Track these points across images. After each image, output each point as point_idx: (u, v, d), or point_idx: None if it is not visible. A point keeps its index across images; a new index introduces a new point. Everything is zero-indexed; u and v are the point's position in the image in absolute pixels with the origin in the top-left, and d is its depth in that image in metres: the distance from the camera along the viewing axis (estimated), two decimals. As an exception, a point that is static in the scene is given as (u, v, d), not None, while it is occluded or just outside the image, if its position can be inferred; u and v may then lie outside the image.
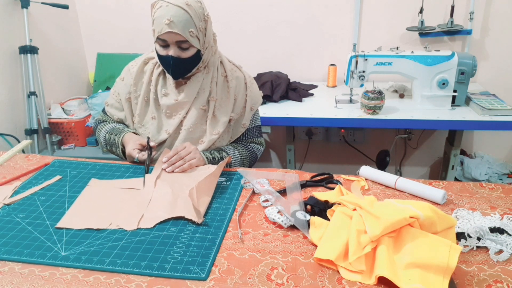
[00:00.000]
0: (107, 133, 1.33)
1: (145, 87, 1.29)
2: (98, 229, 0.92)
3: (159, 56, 1.21)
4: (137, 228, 0.92)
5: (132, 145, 1.22)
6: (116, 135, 1.29)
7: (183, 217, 0.95)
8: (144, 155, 1.20)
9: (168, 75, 1.27)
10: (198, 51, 1.20)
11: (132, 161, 1.24)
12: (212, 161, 1.24)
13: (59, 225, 0.94)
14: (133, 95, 1.32)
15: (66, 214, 0.98)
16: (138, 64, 1.32)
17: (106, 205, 1.02)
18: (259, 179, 1.10)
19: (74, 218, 0.97)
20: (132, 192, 1.08)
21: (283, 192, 1.04)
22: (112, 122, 1.38)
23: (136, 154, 1.20)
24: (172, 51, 1.17)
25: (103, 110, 1.42)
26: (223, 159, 1.25)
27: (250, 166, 1.37)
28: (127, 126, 1.37)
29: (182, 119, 1.27)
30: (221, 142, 1.32)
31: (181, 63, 1.19)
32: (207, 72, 1.28)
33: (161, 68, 1.28)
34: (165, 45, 1.18)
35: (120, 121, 1.38)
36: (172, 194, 1.04)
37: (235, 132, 1.35)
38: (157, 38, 1.17)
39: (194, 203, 0.95)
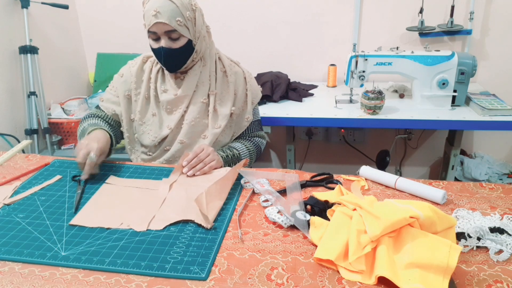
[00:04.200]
0: (87, 124, 1.28)
1: (145, 85, 1.30)
2: (109, 228, 0.92)
3: (153, 50, 1.23)
4: (147, 230, 0.91)
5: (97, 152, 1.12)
6: (88, 127, 1.23)
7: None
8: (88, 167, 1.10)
9: (166, 71, 1.28)
10: (190, 41, 1.21)
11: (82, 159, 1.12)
12: (226, 159, 1.24)
13: (73, 222, 0.95)
14: (133, 93, 1.32)
15: (81, 211, 0.99)
16: (138, 63, 1.33)
17: (120, 204, 1.02)
18: (259, 179, 1.10)
19: (88, 216, 0.97)
20: (147, 192, 1.07)
21: (283, 192, 1.04)
22: (102, 116, 1.34)
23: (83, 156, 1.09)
24: (163, 42, 1.19)
25: (97, 106, 1.39)
26: (235, 156, 1.27)
27: (255, 160, 1.38)
28: (120, 123, 1.35)
29: (183, 113, 1.28)
30: (223, 137, 1.32)
31: (173, 53, 1.20)
32: (204, 65, 1.29)
33: (159, 65, 1.29)
34: (156, 37, 1.20)
35: (115, 115, 1.35)
36: (186, 197, 1.03)
37: (238, 126, 1.35)
38: (148, 32, 1.19)
39: (201, 208, 0.94)
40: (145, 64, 1.33)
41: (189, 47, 1.22)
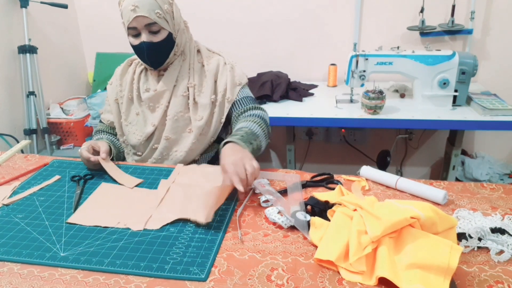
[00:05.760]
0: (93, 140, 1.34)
1: (128, 86, 1.32)
2: (105, 227, 0.92)
3: (134, 48, 1.23)
4: (144, 229, 0.91)
5: (86, 144, 1.18)
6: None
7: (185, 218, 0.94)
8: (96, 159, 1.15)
9: (149, 71, 1.29)
10: (170, 34, 1.22)
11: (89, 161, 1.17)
12: (246, 138, 1.11)
13: (70, 220, 0.95)
14: (119, 95, 1.34)
15: (78, 209, 1.00)
16: (122, 66, 1.36)
17: (118, 203, 1.02)
18: (259, 179, 1.09)
19: (85, 214, 0.97)
20: (145, 192, 1.07)
21: (283, 192, 1.03)
22: (106, 130, 1.40)
23: (85, 153, 1.15)
24: (143, 37, 1.19)
25: (100, 120, 1.44)
26: (248, 133, 1.14)
27: (268, 133, 1.27)
28: (115, 129, 1.38)
29: (166, 109, 1.28)
30: (209, 127, 1.29)
31: (155, 47, 1.20)
32: (184, 59, 1.29)
33: (143, 66, 1.30)
34: (137, 33, 1.20)
35: (111, 123, 1.39)
36: (184, 196, 1.03)
37: (221, 110, 1.29)
38: (128, 28, 1.19)
39: (208, 202, 0.92)
40: (129, 67, 1.36)
41: (170, 41, 1.22)
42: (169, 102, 1.28)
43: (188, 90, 1.28)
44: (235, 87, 1.30)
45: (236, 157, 1.01)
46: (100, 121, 1.44)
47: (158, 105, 1.28)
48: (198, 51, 1.34)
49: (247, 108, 1.30)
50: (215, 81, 1.30)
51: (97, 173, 1.17)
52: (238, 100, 1.30)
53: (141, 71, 1.32)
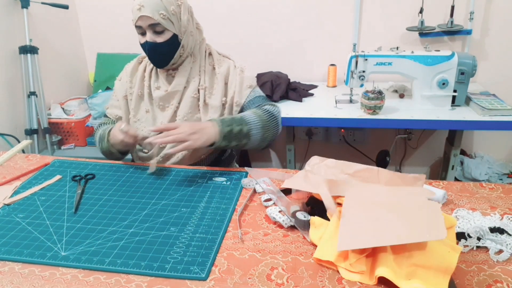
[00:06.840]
0: (101, 130, 1.35)
1: (138, 83, 1.32)
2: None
3: (141, 46, 1.24)
4: None
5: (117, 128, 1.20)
6: (105, 130, 1.30)
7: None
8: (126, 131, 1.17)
9: (159, 69, 1.30)
10: (175, 36, 1.22)
11: (122, 149, 1.22)
12: (223, 121, 1.16)
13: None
14: (129, 92, 1.35)
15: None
16: (133, 64, 1.37)
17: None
18: (264, 178, 1.10)
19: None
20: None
21: (286, 191, 1.04)
22: (111, 124, 1.39)
23: (120, 133, 1.16)
24: (148, 37, 1.20)
25: (105, 115, 1.44)
26: (235, 119, 1.18)
27: (273, 126, 1.25)
28: None
29: (175, 109, 1.29)
30: None
31: (158, 47, 1.21)
32: (194, 61, 1.30)
33: None
34: (142, 32, 1.22)
35: (119, 119, 1.39)
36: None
37: (230, 112, 1.30)
38: (136, 27, 1.21)
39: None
40: (140, 64, 1.37)
41: (174, 42, 1.23)
42: (179, 103, 1.29)
43: (199, 92, 1.29)
44: (244, 90, 1.31)
45: (192, 126, 1.12)
46: (105, 116, 1.43)
47: (168, 105, 1.29)
48: (210, 54, 1.35)
49: (260, 105, 1.30)
50: (226, 84, 1.32)
51: (98, 173, 1.17)
52: (250, 100, 1.31)
53: (152, 69, 1.33)
